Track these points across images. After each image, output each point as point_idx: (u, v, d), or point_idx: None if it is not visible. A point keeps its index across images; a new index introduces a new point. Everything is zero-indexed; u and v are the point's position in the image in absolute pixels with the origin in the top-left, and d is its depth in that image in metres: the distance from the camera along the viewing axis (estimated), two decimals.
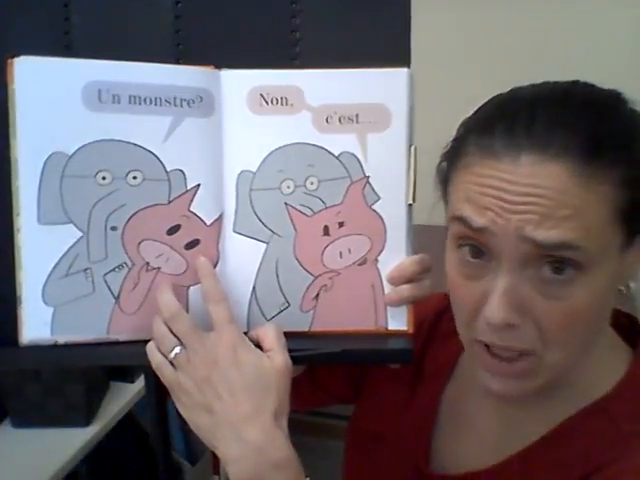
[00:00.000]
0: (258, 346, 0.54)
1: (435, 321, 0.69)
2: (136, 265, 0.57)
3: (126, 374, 1.40)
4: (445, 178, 0.55)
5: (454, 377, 0.65)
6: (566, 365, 0.52)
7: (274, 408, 0.51)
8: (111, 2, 0.58)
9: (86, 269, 0.56)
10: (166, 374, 0.53)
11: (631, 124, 0.50)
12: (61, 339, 0.56)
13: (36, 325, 0.55)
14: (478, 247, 0.50)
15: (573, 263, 0.47)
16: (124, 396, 1.36)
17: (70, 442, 1.20)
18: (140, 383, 1.38)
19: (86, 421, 1.25)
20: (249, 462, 0.49)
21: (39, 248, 0.55)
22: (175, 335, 0.53)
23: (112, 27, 0.58)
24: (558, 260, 0.47)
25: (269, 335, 0.54)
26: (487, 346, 0.51)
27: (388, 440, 0.65)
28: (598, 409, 0.53)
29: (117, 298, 0.56)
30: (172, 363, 0.53)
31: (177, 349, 0.52)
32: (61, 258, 0.55)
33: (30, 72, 0.54)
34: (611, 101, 0.51)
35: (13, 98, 0.54)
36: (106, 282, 0.56)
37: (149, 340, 0.56)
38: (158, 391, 1.12)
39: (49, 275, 0.55)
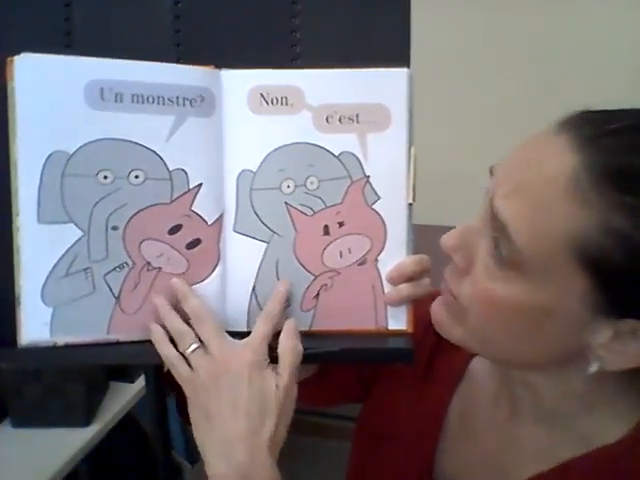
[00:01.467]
0: (274, 348, 0.54)
1: None
2: (137, 265, 0.56)
3: (126, 374, 1.40)
4: None
5: (463, 385, 0.64)
6: (494, 348, 0.51)
7: (270, 435, 0.51)
8: (112, 2, 0.58)
9: (86, 269, 0.56)
10: (181, 370, 0.53)
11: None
12: (60, 340, 0.56)
13: (35, 326, 0.55)
14: None
15: (510, 252, 0.45)
16: (124, 396, 1.36)
17: (70, 442, 1.20)
18: (140, 383, 1.38)
19: (86, 421, 1.25)
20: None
21: (39, 247, 0.55)
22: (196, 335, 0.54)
23: (113, 27, 0.58)
24: (503, 241, 0.46)
25: (286, 359, 0.54)
26: None
27: (393, 443, 0.65)
28: (605, 455, 0.49)
29: (117, 298, 0.56)
30: (187, 361, 0.53)
31: (195, 345, 0.53)
32: (61, 258, 0.55)
33: (31, 69, 0.54)
34: None
35: (13, 96, 0.54)
36: (106, 282, 0.56)
37: (149, 340, 0.56)
38: (158, 391, 1.12)
39: (49, 275, 0.55)
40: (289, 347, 0.54)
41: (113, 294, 0.56)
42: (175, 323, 0.55)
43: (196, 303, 0.55)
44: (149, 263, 0.57)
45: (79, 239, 0.55)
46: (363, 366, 0.72)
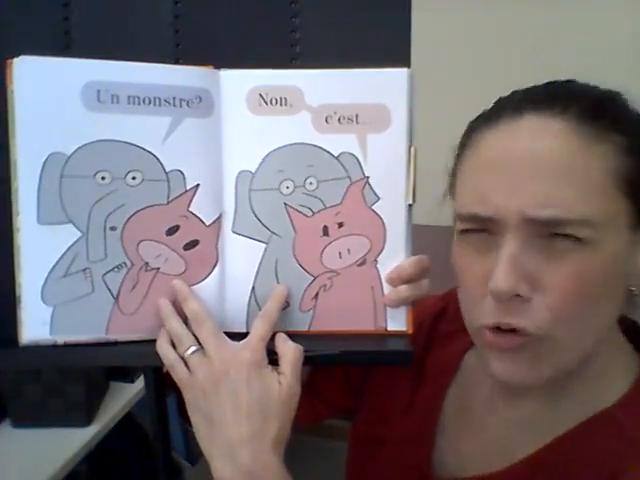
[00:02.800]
0: (274, 351, 0.54)
1: (434, 323, 0.69)
2: (135, 265, 0.56)
3: (126, 374, 1.40)
4: (455, 166, 0.55)
5: (457, 379, 0.64)
6: (578, 352, 0.50)
7: (274, 435, 0.51)
8: (111, 2, 0.58)
9: (85, 269, 0.56)
10: (179, 372, 0.53)
11: (632, 112, 0.50)
12: (60, 339, 0.56)
13: (35, 325, 0.55)
14: (485, 227, 0.50)
15: (577, 235, 0.46)
16: (124, 396, 1.36)
17: (70, 442, 1.20)
18: (140, 383, 1.38)
19: (86, 421, 1.25)
20: None
21: (38, 248, 0.55)
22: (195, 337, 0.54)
23: (112, 27, 0.58)
24: (566, 234, 0.46)
25: (288, 357, 0.54)
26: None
27: (391, 444, 0.65)
28: (607, 418, 0.51)
29: (116, 298, 0.56)
30: (185, 363, 0.53)
31: (193, 348, 0.53)
32: (60, 258, 0.55)
33: (29, 72, 0.54)
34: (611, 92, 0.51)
35: (12, 98, 0.54)
36: (105, 282, 0.56)
37: (148, 340, 0.56)
38: (158, 391, 1.12)
39: (48, 275, 0.55)
40: (290, 345, 0.54)
41: (112, 294, 0.56)
42: (174, 325, 0.55)
43: (195, 305, 0.55)
44: (147, 263, 0.57)
45: (78, 239, 0.55)
46: (353, 373, 0.71)
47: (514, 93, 0.52)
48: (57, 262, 0.55)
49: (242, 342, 0.54)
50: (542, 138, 0.47)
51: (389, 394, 0.67)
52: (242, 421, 0.51)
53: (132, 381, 1.40)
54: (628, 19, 1.30)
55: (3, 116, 0.54)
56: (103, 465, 1.39)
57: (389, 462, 0.64)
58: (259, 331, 0.54)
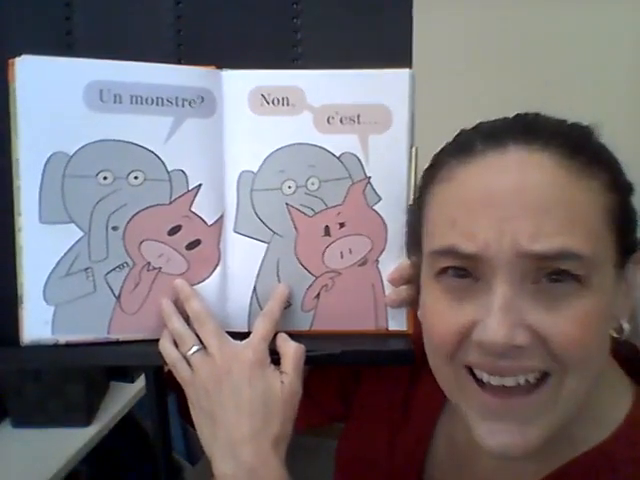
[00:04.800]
0: (276, 351, 0.54)
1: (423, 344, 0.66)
2: (137, 265, 0.57)
3: (126, 374, 1.40)
4: (420, 205, 0.50)
5: (446, 412, 0.60)
6: (581, 401, 0.46)
7: (275, 433, 0.51)
8: (113, 2, 0.58)
9: (87, 268, 0.56)
10: (181, 371, 0.54)
11: (606, 147, 0.48)
12: (62, 339, 0.56)
13: (37, 324, 0.55)
14: (465, 270, 0.45)
15: (575, 269, 0.43)
16: (124, 396, 1.36)
17: (70, 442, 1.19)
18: (140, 383, 1.38)
19: (86, 421, 1.24)
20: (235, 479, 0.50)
21: (40, 247, 0.55)
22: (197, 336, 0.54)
23: (113, 27, 0.58)
24: (557, 271, 0.43)
25: (289, 355, 0.54)
26: (478, 381, 0.45)
27: (379, 467, 0.63)
28: (599, 453, 0.48)
29: (118, 298, 0.57)
30: (188, 362, 0.54)
31: (195, 347, 0.54)
32: (62, 257, 0.55)
33: (32, 71, 0.54)
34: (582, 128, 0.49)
35: (14, 97, 0.54)
36: (107, 282, 0.56)
37: (149, 340, 0.56)
38: (158, 391, 1.12)
39: (50, 274, 0.55)
40: (292, 344, 0.54)
41: (114, 294, 0.56)
42: (176, 324, 0.55)
43: (197, 305, 0.55)
44: (149, 263, 0.57)
45: (80, 239, 0.55)
46: (347, 380, 0.70)
47: (481, 125, 0.49)
48: (59, 261, 0.55)
49: (244, 341, 0.54)
50: (531, 172, 0.43)
51: (380, 414, 0.64)
52: (244, 419, 0.51)
53: (132, 381, 1.40)
54: (628, 19, 1.30)
55: (4, 115, 0.54)
56: (103, 465, 1.39)
57: None
58: (261, 330, 0.54)
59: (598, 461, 0.48)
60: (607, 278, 0.45)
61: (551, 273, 0.43)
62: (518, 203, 0.43)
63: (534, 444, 0.44)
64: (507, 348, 0.42)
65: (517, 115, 0.49)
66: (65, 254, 0.55)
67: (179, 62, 0.57)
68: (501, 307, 0.42)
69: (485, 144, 0.46)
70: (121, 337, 0.57)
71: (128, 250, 0.56)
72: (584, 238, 0.43)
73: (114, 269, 0.56)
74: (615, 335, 0.48)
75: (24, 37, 0.56)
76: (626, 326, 0.48)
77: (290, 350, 0.54)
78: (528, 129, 0.46)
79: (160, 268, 0.57)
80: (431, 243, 0.47)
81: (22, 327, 0.55)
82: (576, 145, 0.45)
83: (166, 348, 0.55)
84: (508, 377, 0.44)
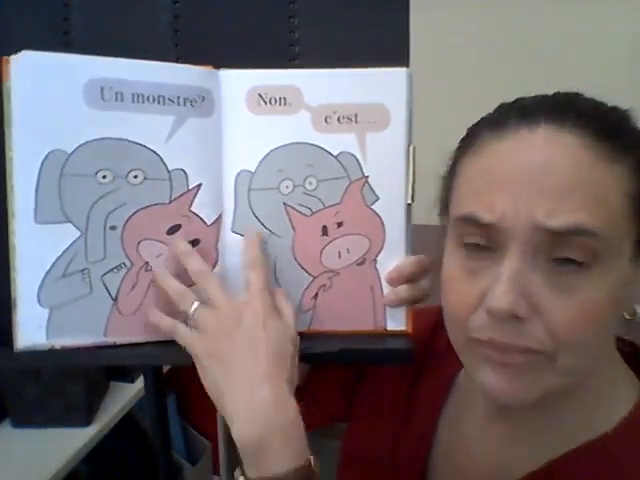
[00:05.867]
0: None
1: (430, 338, 0.66)
2: (135, 265, 0.56)
3: (126, 374, 1.40)
4: (451, 174, 0.52)
5: (452, 397, 0.62)
6: (573, 376, 0.47)
7: (288, 377, 0.50)
8: (110, 2, 0.58)
9: (84, 269, 0.55)
10: (184, 334, 0.53)
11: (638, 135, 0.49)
12: (57, 344, 0.55)
13: (31, 328, 0.54)
14: (485, 240, 0.47)
15: (588, 251, 0.43)
16: (124, 396, 1.36)
17: (70, 442, 1.20)
18: (140, 383, 1.38)
19: (86, 421, 1.25)
20: (258, 421, 0.48)
21: (35, 248, 0.54)
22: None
23: (112, 27, 0.58)
24: (572, 248, 0.44)
25: (288, 309, 0.55)
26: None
27: (382, 464, 0.63)
28: (600, 446, 0.49)
29: (115, 299, 0.56)
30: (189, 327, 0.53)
31: (197, 303, 0.53)
32: (58, 258, 0.54)
33: (30, 67, 0.53)
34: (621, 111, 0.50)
35: (8, 95, 0.53)
36: (104, 283, 0.56)
37: (147, 342, 0.56)
38: (158, 391, 1.12)
39: (45, 276, 0.54)
40: (285, 302, 0.55)
41: (110, 295, 0.56)
42: (173, 284, 0.55)
43: (200, 262, 0.55)
44: (147, 264, 0.56)
45: (77, 239, 0.55)
46: (348, 379, 0.70)
47: (520, 100, 0.50)
48: (54, 262, 0.54)
49: (246, 294, 0.53)
50: (556, 151, 0.45)
51: (383, 413, 0.65)
52: (261, 362, 0.50)
53: (132, 381, 1.40)
54: (628, 19, 1.30)
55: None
56: (103, 465, 1.39)
57: None
58: (256, 280, 0.53)
59: (599, 451, 0.49)
60: (623, 265, 0.46)
61: (564, 253, 0.44)
62: (539, 180, 0.44)
63: (530, 396, 0.47)
64: (509, 316, 0.44)
65: (556, 93, 0.50)
66: (61, 255, 0.54)
67: (177, 61, 0.57)
68: (509, 276, 0.44)
69: (519, 120, 0.47)
70: (118, 340, 0.56)
71: (126, 250, 0.56)
72: (601, 218, 0.44)
73: (111, 270, 0.56)
74: (628, 317, 0.49)
75: (22, 37, 0.56)
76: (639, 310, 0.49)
77: (287, 306, 0.55)
78: (563, 108, 0.47)
79: None
80: (456, 210, 0.49)
81: (16, 332, 0.54)
82: (608, 128, 0.46)
83: (158, 317, 0.54)
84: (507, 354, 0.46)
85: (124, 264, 0.56)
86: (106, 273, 0.56)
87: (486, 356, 0.47)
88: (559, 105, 0.47)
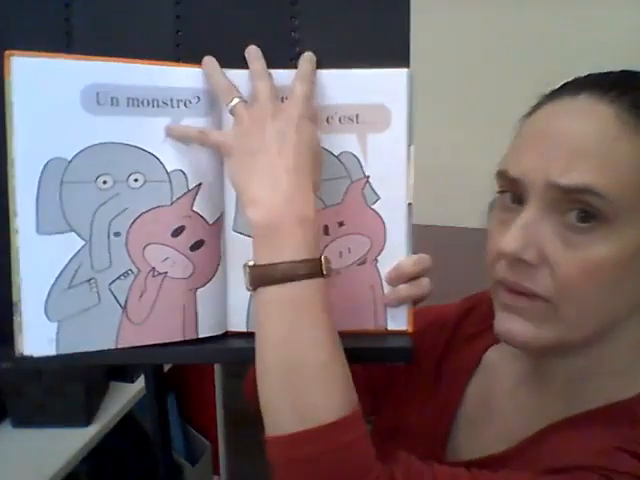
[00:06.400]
0: None
1: (458, 323, 0.70)
2: (142, 271, 0.55)
3: (126, 374, 1.40)
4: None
5: (477, 374, 0.65)
6: (580, 331, 0.50)
7: (314, 180, 0.51)
8: (112, 3, 0.58)
9: (90, 279, 0.54)
10: (212, 133, 0.55)
11: None
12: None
13: (41, 343, 0.53)
14: (513, 194, 0.52)
15: (598, 213, 0.47)
16: (124, 396, 1.36)
17: (70, 442, 1.20)
18: (140, 383, 1.38)
19: (86, 421, 1.25)
20: (275, 208, 0.48)
21: (39, 260, 0.53)
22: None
23: (112, 28, 0.58)
24: (584, 208, 0.47)
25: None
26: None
27: (406, 435, 0.65)
28: (622, 407, 0.51)
29: (124, 308, 0.55)
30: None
31: (237, 99, 0.53)
32: (63, 269, 0.53)
33: (27, 72, 0.52)
34: None
35: (10, 93, 0.52)
36: (112, 292, 0.55)
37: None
38: (158, 391, 1.13)
39: (51, 288, 0.53)
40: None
41: (119, 304, 0.55)
42: (220, 79, 0.55)
43: (262, 63, 0.55)
44: (154, 268, 0.56)
45: (81, 248, 0.54)
46: (377, 376, 0.71)
47: (578, 77, 0.54)
48: (60, 274, 0.53)
49: (289, 100, 0.54)
50: (586, 119, 0.48)
51: (409, 391, 0.68)
52: (288, 155, 0.50)
53: (132, 381, 1.40)
54: (628, 19, 1.30)
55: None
56: (103, 465, 1.39)
57: (404, 448, 0.64)
58: (302, 90, 0.54)
59: (619, 414, 0.51)
60: (636, 236, 0.48)
61: (579, 210, 0.48)
62: (561, 143, 0.48)
63: (536, 340, 0.50)
64: (518, 260, 0.49)
65: (622, 71, 0.53)
66: (66, 265, 0.53)
67: (178, 62, 0.57)
68: (521, 224, 0.49)
69: (568, 89, 0.51)
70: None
71: (132, 256, 0.55)
72: (612, 183, 0.46)
73: (118, 278, 0.55)
74: None
75: (23, 38, 0.56)
76: None
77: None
78: (611, 82, 0.50)
79: (166, 273, 0.56)
80: (499, 166, 0.54)
81: (22, 343, 0.53)
82: None
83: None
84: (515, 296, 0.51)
85: (131, 271, 0.55)
86: (113, 281, 0.55)
87: (501, 302, 0.52)
88: (607, 79, 0.51)
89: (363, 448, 0.46)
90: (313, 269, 0.48)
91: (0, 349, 0.54)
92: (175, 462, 1.55)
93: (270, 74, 0.55)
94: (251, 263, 0.49)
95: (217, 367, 1.70)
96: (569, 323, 0.50)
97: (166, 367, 1.32)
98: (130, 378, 1.40)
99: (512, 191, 0.52)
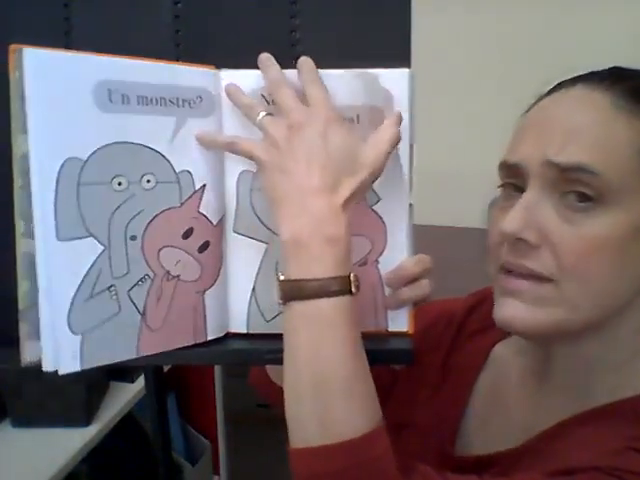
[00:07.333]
0: None
1: (465, 317, 0.70)
2: (158, 275, 0.54)
3: (126, 374, 1.40)
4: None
5: (486, 368, 0.66)
6: (581, 313, 0.51)
7: (348, 193, 0.50)
8: (111, 2, 0.58)
9: (110, 287, 0.51)
10: (243, 143, 0.54)
11: None
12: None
13: (65, 358, 0.50)
14: (514, 181, 0.54)
15: (595, 194, 0.48)
16: (124, 396, 1.36)
17: (70, 442, 1.20)
18: (140, 383, 1.38)
19: (86, 421, 1.25)
20: (304, 228, 0.48)
21: (61, 268, 0.49)
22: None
23: (112, 27, 0.58)
24: (582, 191, 0.49)
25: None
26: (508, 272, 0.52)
27: (415, 428, 0.65)
28: (628, 405, 0.52)
29: (143, 314, 0.53)
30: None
31: (263, 113, 0.53)
32: (84, 277, 0.50)
33: (41, 64, 0.49)
34: None
35: (16, 89, 0.48)
36: (131, 298, 0.53)
37: None
38: (158, 391, 1.13)
39: (74, 298, 0.50)
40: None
41: (138, 310, 0.53)
42: (243, 97, 0.55)
43: (278, 71, 0.54)
44: (168, 272, 0.55)
45: (100, 254, 0.51)
46: (384, 373, 0.72)
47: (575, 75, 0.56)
48: (81, 283, 0.50)
49: (311, 105, 0.52)
50: (582, 105, 0.51)
51: (415, 387, 0.68)
52: (314, 173, 0.49)
53: (132, 381, 1.40)
54: (628, 19, 1.30)
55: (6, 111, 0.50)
56: (103, 465, 1.39)
57: (412, 445, 0.64)
58: (319, 93, 0.53)
59: (627, 412, 0.51)
60: (634, 218, 0.49)
61: (575, 193, 0.49)
62: (558, 127, 0.50)
63: (536, 324, 0.51)
64: (519, 240, 0.50)
65: (616, 66, 0.55)
66: (87, 273, 0.50)
67: (177, 62, 0.57)
68: (522, 205, 0.51)
69: (566, 83, 0.54)
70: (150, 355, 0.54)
71: (148, 260, 0.53)
72: (606, 163, 0.48)
73: (137, 283, 0.53)
74: None
75: (22, 37, 0.56)
76: None
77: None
78: (605, 72, 0.53)
79: (179, 276, 0.55)
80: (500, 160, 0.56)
81: (33, 353, 0.50)
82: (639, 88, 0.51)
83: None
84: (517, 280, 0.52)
85: (148, 276, 0.53)
86: (132, 287, 0.53)
87: (502, 288, 0.53)
88: (602, 72, 0.53)
89: (386, 464, 0.46)
90: (342, 287, 0.48)
91: (5, 352, 0.53)
92: (175, 462, 1.55)
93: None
94: (282, 277, 0.49)
95: (217, 367, 1.70)
96: (571, 304, 0.50)
97: (166, 367, 1.32)
98: (130, 378, 1.40)
99: (513, 180, 0.53)
